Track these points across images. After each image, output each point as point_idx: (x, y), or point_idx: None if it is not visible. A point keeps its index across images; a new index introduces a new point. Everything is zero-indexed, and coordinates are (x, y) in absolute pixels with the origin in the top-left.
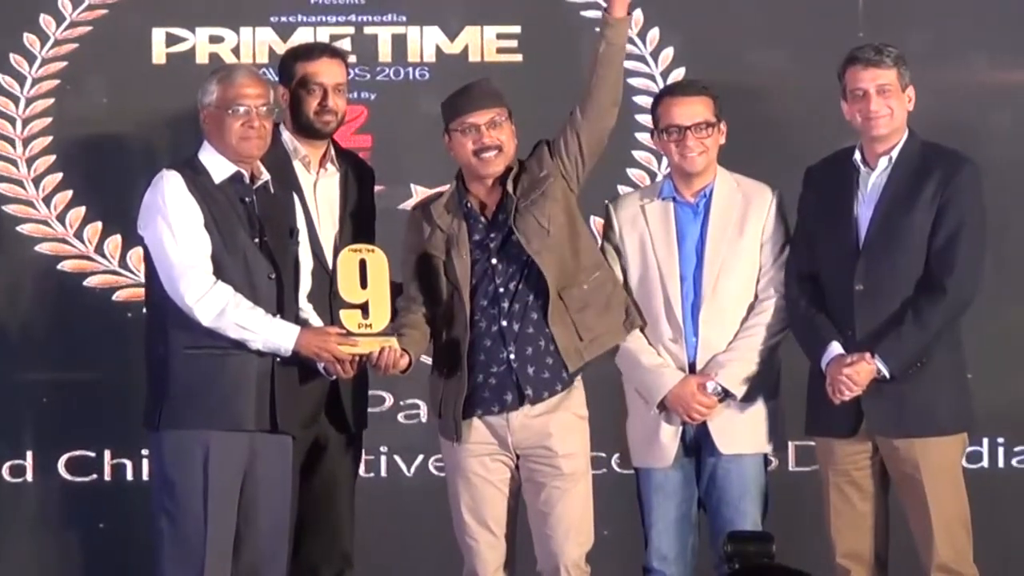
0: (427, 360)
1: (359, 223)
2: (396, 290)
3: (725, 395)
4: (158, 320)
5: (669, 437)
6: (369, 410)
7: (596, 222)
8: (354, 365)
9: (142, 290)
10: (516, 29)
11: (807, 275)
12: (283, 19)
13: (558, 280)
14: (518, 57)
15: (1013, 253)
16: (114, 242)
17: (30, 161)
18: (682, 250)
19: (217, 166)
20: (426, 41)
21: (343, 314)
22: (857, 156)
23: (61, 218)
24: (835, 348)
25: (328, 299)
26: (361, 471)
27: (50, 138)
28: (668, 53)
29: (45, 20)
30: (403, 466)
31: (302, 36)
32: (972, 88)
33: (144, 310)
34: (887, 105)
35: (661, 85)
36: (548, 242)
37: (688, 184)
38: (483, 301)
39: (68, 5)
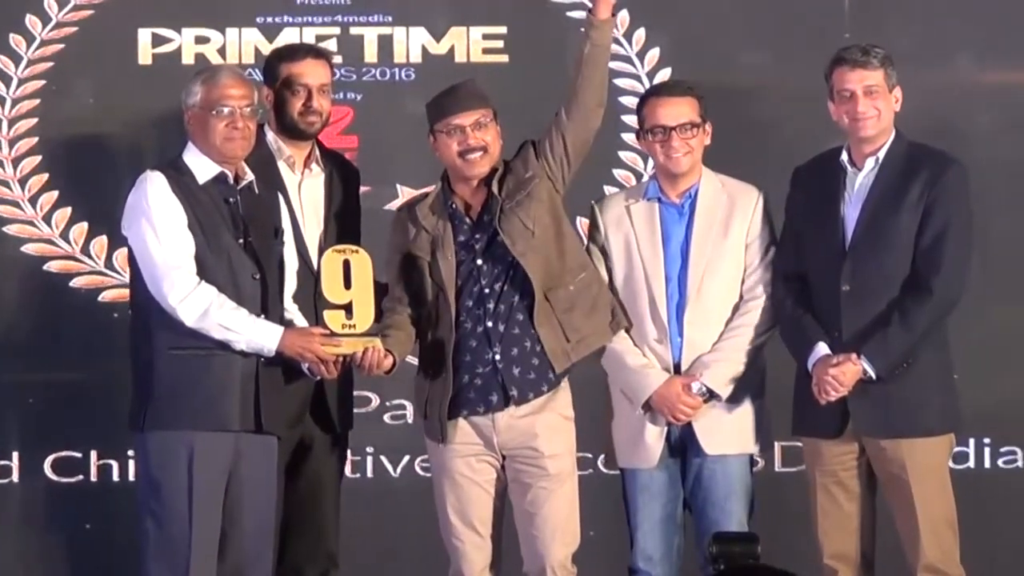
0: (413, 361)
1: (344, 223)
2: (382, 291)
3: (710, 396)
4: (142, 321)
5: (654, 438)
6: (355, 411)
7: (582, 223)
8: (338, 366)
9: (128, 291)
10: (502, 30)
11: (794, 275)
12: (269, 20)
13: (543, 281)
14: (504, 58)
15: (999, 253)
16: (100, 243)
17: (16, 162)
18: (667, 251)
19: (201, 167)
20: (412, 42)
21: (327, 315)
22: (844, 157)
23: (47, 219)
24: (821, 348)
25: (313, 299)
26: (347, 472)
27: (36, 139)
28: (654, 54)
29: (31, 21)
30: (389, 467)
31: (288, 37)
32: (958, 88)
33: (129, 311)
34: (874, 106)
35: (647, 86)
36: (533, 243)
37: (673, 185)
38: (468, 302)
39: (54, 6)
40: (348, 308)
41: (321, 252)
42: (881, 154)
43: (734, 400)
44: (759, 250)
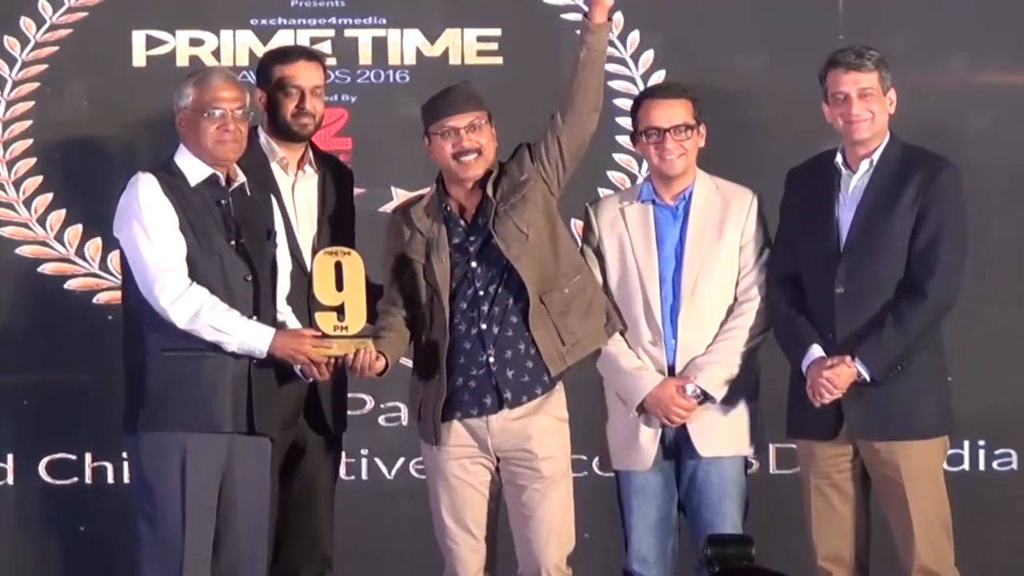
0: (407, 363)
1: (338, 225)
2: (376, 293)
3: (704, 398)
4: (134, 322)
5: (648, 440)
6: (350, 413)
7: (576, 225)
8: (330, 367)
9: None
10: (496, 32)
11: (788, 277)
12: (263, 22)
13: (538, 285)
14: (499, 60)
15: (994, 255)
16: (95, 245)
17: (11, 164)
18: (661, 253)
19: (193, 169)
20: (406, 44)
21: (318, 316)
22: (839, 159)
23: (42, 221)
24: (815, 351)
25: (307, 301)
26: (342, 474)
27: (31, 141)
28: (648, 56)
29: (25, 23)
30: (384, 469)
31: (282, 39)
32: (952, 90)
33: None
34: (868, 109)
35: (642, 88)
36: (527, 246)
37: (667, 187)
38: (463, 304)
39: (48, 8)
40: (340, 310)
41: (315, 254)
42: (876, 156)
43: (728, 402)
44: (753, 252)
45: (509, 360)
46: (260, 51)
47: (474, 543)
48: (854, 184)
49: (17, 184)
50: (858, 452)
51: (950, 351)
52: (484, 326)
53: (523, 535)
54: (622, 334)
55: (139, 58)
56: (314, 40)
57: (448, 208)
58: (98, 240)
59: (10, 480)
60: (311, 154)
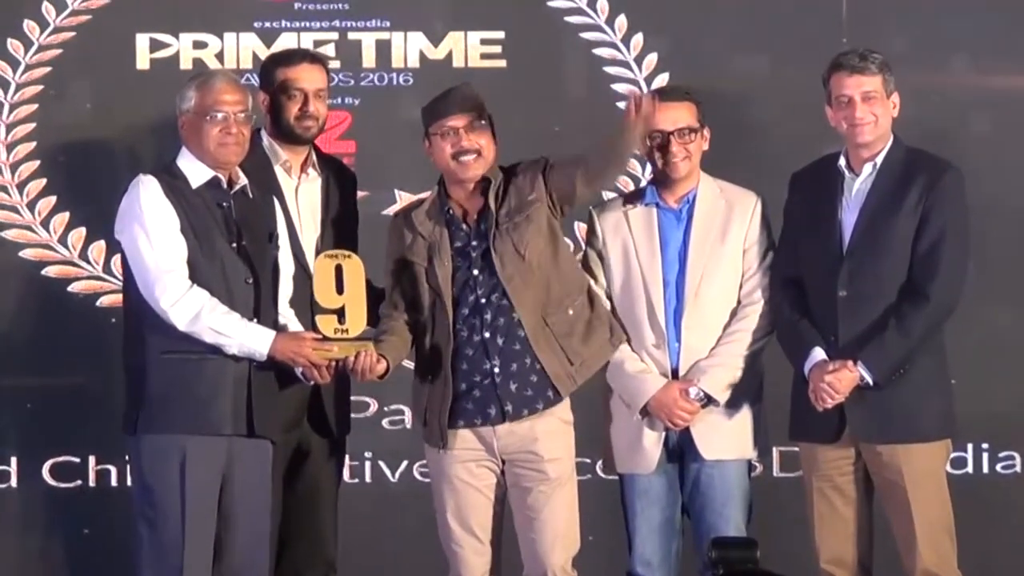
0: (410, 365)
1: (341, 228)
2: (378, 296)
3: (708, 401)
4: (135, 325)
5: (652, 443)
6: (354, 416)
7: (580, 228)
8: (330, 370)
9: None
10: (500, 35)
11: (791, 280)
12: (267, 25)
13: (536, 306)
14: (502, 63)
15: (996, 258)
16: (98, 248)
17: (14, 167)
18: (665, 256)
19: (194, 171)
20: (410, 47)
21: (319, 319)
22: (842, 162)
23: (45, 224)
24: (818, 354)
25: (310, 304)
26: (346, 477)
27: (34, 144)
28: (652, 59)
29: (29, 26)
30: (388, 472)
31: (286, 42)
32: (955, 93)
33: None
34: (872, 112)
35: (645, 90)
36: (522, 267)
37: (671, 190)
38: (464, 310)
39: (52, 11)
40: (340, 313)
41: (318, 257)
42: (879, 159)
43: (732, 405)
44: (757, 255)
45: (514, 373)
46: (263, 54)
47: (479, 546)
48: (857, 187)
49: (20, 187)
50: (861, 455)
51: (953, 354)
52: (487, 335)
53: (528, 537)
54: (629, 343)
55: (143, 61)
56: (317, 43)
57: (450, 211)
58: (101, 243)
59: (14, 483)
60: (314, 157)
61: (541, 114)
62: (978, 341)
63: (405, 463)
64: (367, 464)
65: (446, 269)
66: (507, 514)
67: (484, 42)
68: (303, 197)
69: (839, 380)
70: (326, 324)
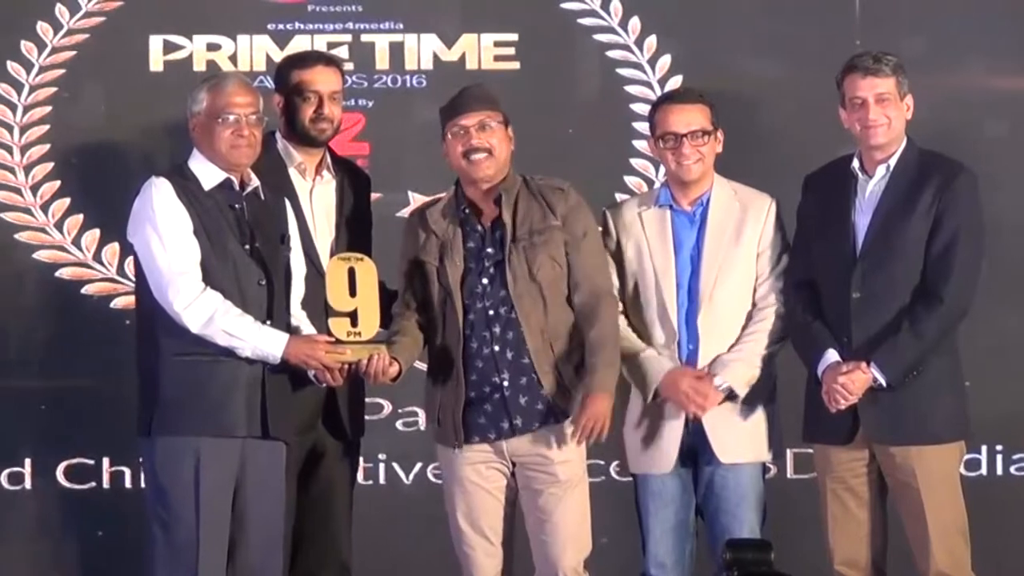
0: (423, 367)
1: (355, 230)
2: (391, 298)
3: (729, 395)
4: (148, 327)
5: (668, 443)
6: (368, 417)
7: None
8: (343, 373)
9: None
10: (513, 37)
11: (804, 282)
12: (280, 27)
13: (539, 327)
14: (515, 65)
15: (1010, 260)
16: (112, 249)
17: (28, 168)
18: (678, 258)
19: (206, 173)
20: (423, 49)
21: (331, 322)
22: (855, 164)
23: (59, 225)
24: (831, 355)
25: (324, 306)
26: (359, 478)
27: (48, 145)
28: (665, 61)
29: (43, 28)
30: (401, 474)
31: (299, 44)
32: (969, 96)
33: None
34: (885, 114)
35: (658, 92)
36: (531, 288)
37: (685, 192)
38: (471, 316)
39: (66, 13)
40: (353, 316)
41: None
42: (892, 162)
43: (747, 407)
44: (771, 258)
45: (523, 387)
46: (277, 56)
47: (490, 548)
48: (871, 189)
49: (34, 189)
50: (874, 457)
51: (967, 356)
52: (496, 348)
53: (539, 539)
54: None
55: (156, 63)
56: (331, 45)
57: (466, 210)
58: (115, 245)
59: (28, 484)
60: (329, 159)
61: (554, 116)
62: (992, 343)
63: (419, 465)
64: (381, 466)
65: (457, 268)
66: (519, 516)
67: (497, 44)
68: (317, 199)
69: (852, 381)
70: (339, 327)
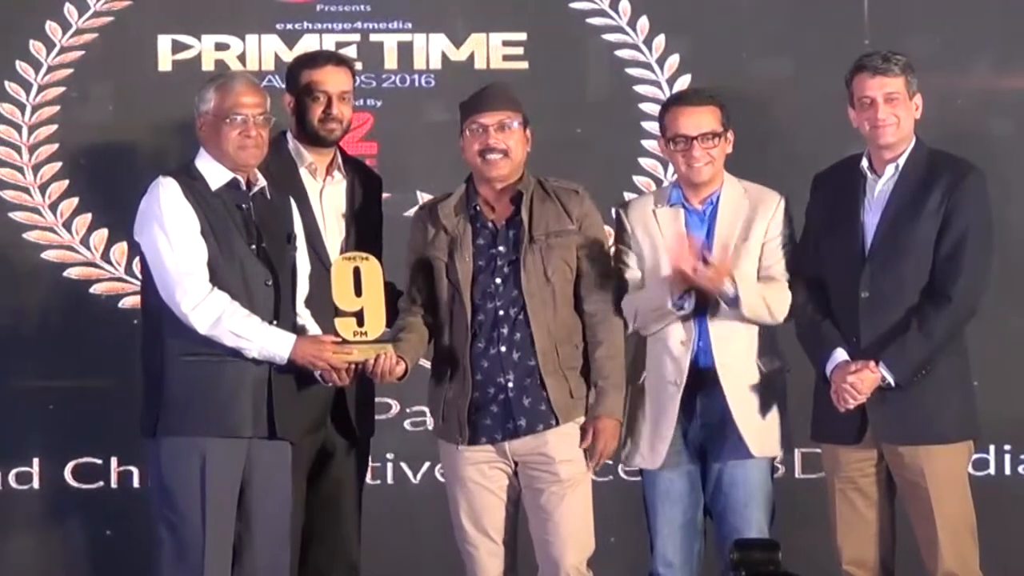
0: (428, 364)
1: (366, 231)
2: (396, 295)
3: (734, 296)
4: (154, 327)
5: (664, 440)
6: (376, 417)
7: (605, 229)
8: (350, 373)
9: None
10: (522, 36)
11: (813, 281)
12: (289, 26)
13: (547, 329)
14: (524, 64)
15: (1018, 260)
16: (120, 249)
17: (36, 168)
18: None
19: (213, 173)
20: (432, 48)
21: (338, 322)
22: (864, 163)
23: (67, 225)
24: (839, 355)
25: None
26: (368, 478)
27: (56, 145)
28: (674, 60)
29: (51, 27)
30: (409, 473)
31: (308, 43)
32: (978, 95)
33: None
34: (894, 113)
35: (667, 92)
36: (544, 288)
37: (695, 192)
38: (481, 317)
39: (74, 12)
40: (359, 315)
41: None
42: (901, 161)
43: (763, 402)
44: (776, 247)
45: (527, 388)
46: (286, 55)
47: (494, 547)
48: (879, 189)
49: (43, 188)
50: (883, 456)
51: (975, 355)
52: (503, 348)
53: (542, 539)
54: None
55: (164, 62)
56: (339, 44)
57: (477, 207)
58: (123, 244)
59: (36, 484)
60: (340, 160)
61: (563, 116)
62: (1000, 342)
63: (427, 464)
64: (389, 465)
65: (467, 265)
66: (522, 516)
67: (506, 43)
68: (328, 200)
69: (861, 381)
70: (345, 327)
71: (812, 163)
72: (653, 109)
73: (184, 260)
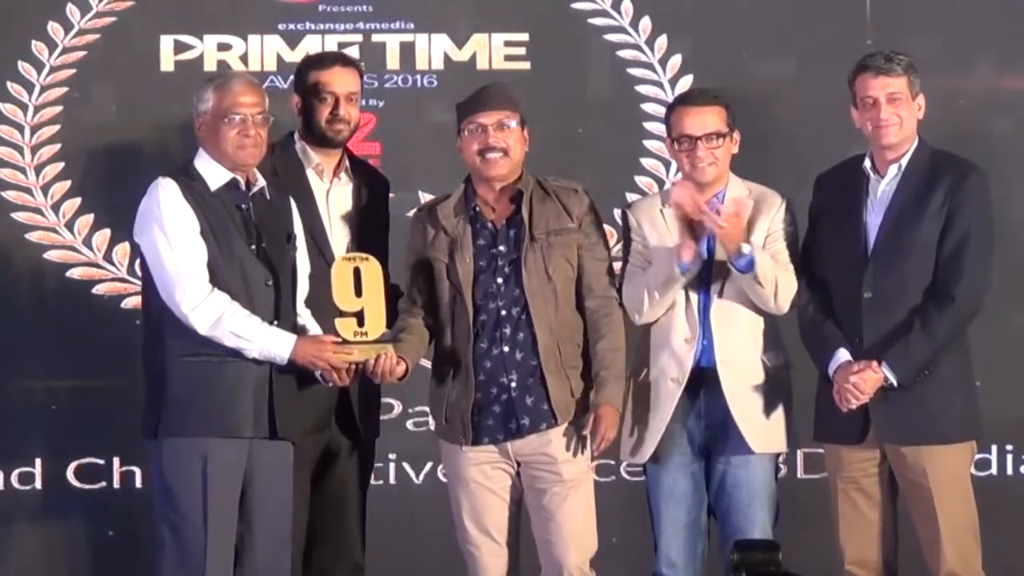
0: (427, 365)
1: (371, 233)
2: (397, 295)
3: (752, 265)
4: (155, 328)
5: (654, 436)
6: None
7: (608, 230)
8: (350, 373)
9: None
10: (524, 36)
11: (816, 282)
12: (291, 27)
13: (549, 328)
14: (526, 65)
15: (1021, 260)
16: (122, 249)
17: (38, 168)
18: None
19: (213, 173)
20: (434, 49)
21: (338, 322)
22: (867, 163)
23: (69, 225)
24: (842, 355)
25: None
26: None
27: (58, 145)
28: (676, 61)
29: (53, 28)
30: (412, 473)
31: (310, 44)
32: (980, 95)
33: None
34: (897, 114)
35: (669, 92)
36: (546, 287)
37: (700, 192)
38: (483, 317)
39: (76, 13)
40: (360, 316)
41: None
42: (904, 161)
43: (768, 399)
44: (780, 246)
45: (530, 387)
46: (288, 56)
47: (496, 548)
48: (882, 189)
49: (45, 189)
50: (885, 456)
51: (978, 356)
52: (506, 348)
53: (544, 539)
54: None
55: (167, 63)
56: (342, 45)
57: (476, 208)
58: (125, 245)
59: (38, 484)
60: (347, 162)
61: (565, 116)
62: (1003, 343)
63: (429, 464)
64: (391, 465)
65: (467, 266)
66: (524, 515)
67: (508, 44)
68: (334, 201)
69: (864, 381)
70: (345, 327)
71: (814, 163)
72: (655, 109)
73: (184, 261)
